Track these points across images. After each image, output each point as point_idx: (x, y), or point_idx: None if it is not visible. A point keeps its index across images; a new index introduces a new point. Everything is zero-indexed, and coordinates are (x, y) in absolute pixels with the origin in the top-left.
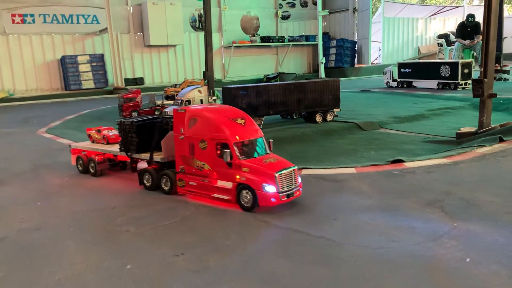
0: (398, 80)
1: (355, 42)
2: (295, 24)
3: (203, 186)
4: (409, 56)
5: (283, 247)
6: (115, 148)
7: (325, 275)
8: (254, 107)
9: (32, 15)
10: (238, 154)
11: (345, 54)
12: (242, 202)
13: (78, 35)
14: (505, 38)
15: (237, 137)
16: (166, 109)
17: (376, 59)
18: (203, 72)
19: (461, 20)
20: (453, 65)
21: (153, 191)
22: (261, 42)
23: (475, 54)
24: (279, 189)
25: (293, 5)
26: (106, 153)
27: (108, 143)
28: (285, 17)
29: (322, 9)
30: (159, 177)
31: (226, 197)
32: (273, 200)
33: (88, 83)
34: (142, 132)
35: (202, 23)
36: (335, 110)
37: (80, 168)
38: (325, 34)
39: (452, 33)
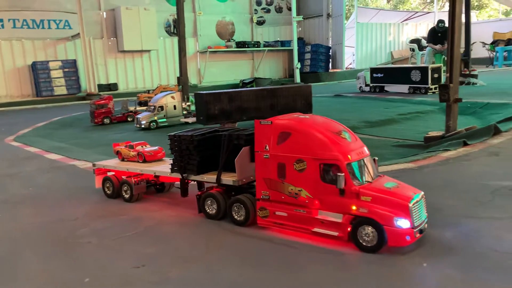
0: (371, 85)
1: (329, 47)
2: (270, 29)
3: (298, 218)
4: (383, 60)
5: (248, 255)
6: (159, 168)
7: (288, 281)
8: (227, 113)
9: (1, 20)
10: (352, 178)
11: (320, 59)
12: (361, 241)
13: (49, 40)
14: (473, 43)
15: (349, 156)
16: (138, 116)
17: (350, 64)
18: (177, 77)
19: (432, 26)
20: (423, 70)
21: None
22: (237, 47)
23: (445, 58)
24: (414, 224)
25: (268, 11)
26: (145, 173)
27: (145, 161)
28: (260, 23)
29: (296, 15)
30: (230, 204)
31: (334, 233)
32: (408, 238)
33: (60, 89)
34: (204, 148)
35: (177, 28)
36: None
37: (108, 192)
38: (300, 40)
39: (424, 38)
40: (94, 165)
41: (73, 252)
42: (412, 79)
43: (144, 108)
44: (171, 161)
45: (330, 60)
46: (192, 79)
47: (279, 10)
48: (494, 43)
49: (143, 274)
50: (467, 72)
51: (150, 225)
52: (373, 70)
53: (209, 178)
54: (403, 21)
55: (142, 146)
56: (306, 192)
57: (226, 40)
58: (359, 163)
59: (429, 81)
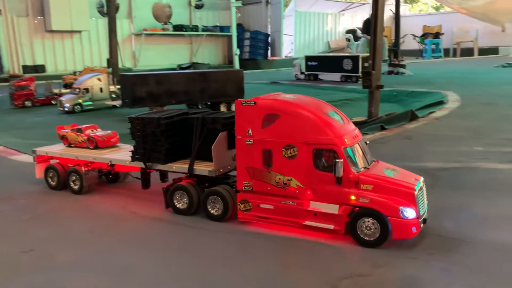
0: (306, 72)
1: (268, 35)
2: (209, 13)
3: (286, 211)
4: (320, 50)
5: (149, 238)
6: (115, 155)
7: (188, 263)
8: (154, 96)
9: None
10: (350, 164)
11: (259, 46)
12: (361, 235)
13: None
14: (405, 35)
15: (345, 140)
16: (61, 98)
17: (290, 52)
18: (107, 59)
19: (367, 17)
20: (354, 59)
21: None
22: (174, 31)
23: None
24: (419, 213)
25: None
26: (98, 161)
27: (96, 147)
28: (198, 6)
29: (235, 0)
30: (204, 197)
31: (329, 226)
32: (414, 230)
33: None
34: (173, 133)
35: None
36: None
37: (51, 182)
38: (239, 26)
39: (359, 28)
40: (34, 151)
41: None
42: (344, 67)
43: (69, 90)
44: (131, 148)
45: (269, 47)
46: (127, 63)
47: None
48: (424, 36)
49: (29, 259)
50: (397, 62)
51: (50, 208)
52: (308, 58)
53: (180, 167)
54: (340, 11)
55: (92, 130)
56: (296, 182)
57: (162, 23)
58: (354, 148)
59: (360, 70)
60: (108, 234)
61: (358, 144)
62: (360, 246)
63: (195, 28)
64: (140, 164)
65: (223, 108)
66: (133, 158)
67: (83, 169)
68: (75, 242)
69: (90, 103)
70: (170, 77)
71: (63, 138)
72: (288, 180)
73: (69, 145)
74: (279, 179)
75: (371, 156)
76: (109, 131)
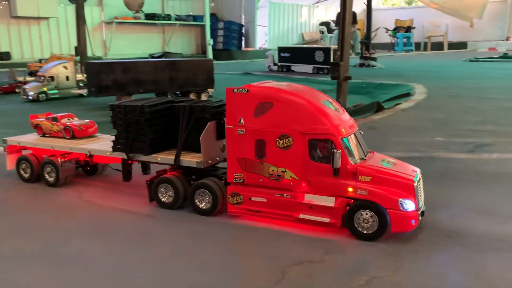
0: (279, 64)
1: (242, 25)
2: (182, 2)
3: (280, 204)
4: (294, 41)
5: (103, 227)
6: (94, 145)
7: (139, 252)
8: (121, 85)
9: None
10: (348, 155)
11: (233, 36)
12: (359, 228)
13: None
14: (378, 28)
15: (343, 130)
16: (25, 86)
17: (264, 44)
18: (75, 47)
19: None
20: (326, 51)
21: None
22: (146, 20)
23: (351, 41)
24: (418, 205)
25: None
26: (75, 152)
27: (73, 137)
28: None
29: None
30: (192, 191)
31: (325, 219)
32: (413, 222)
33: None
34: (158, 122)
35: None
36: (209, 90)
37: (24, 175)
38: (213, 16)
39: (333, 21)
40: (4, 141)
41: None
42: (316, 59)
43: (34, 78)
44: (111, 138)
45: (243, 38)
46: (97, 51)
47: None
48: (396, 29)
49: None
50: (368, 55)
51: (2, 198)
52: (281, 50)
53: (165, 159)
54: (315, 3)
55: (69, 119)
56: (291, 173)
57: (134, 12)
58: (351, 138)
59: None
60: (59, 224)
61: (354, 134)
62: (358, 239)
63: (167, 17)
64: (122, 155)
65: (192, 97)
66: (114, 149)
67: (59, 160)
68: (26, 232)
69: (55, 91)
70: (137, 66)
71: (37, 127)
72: (282, 171)
73: (44, 135)
74: (273, 170)
75: (366, 146)
76: (86, 120)
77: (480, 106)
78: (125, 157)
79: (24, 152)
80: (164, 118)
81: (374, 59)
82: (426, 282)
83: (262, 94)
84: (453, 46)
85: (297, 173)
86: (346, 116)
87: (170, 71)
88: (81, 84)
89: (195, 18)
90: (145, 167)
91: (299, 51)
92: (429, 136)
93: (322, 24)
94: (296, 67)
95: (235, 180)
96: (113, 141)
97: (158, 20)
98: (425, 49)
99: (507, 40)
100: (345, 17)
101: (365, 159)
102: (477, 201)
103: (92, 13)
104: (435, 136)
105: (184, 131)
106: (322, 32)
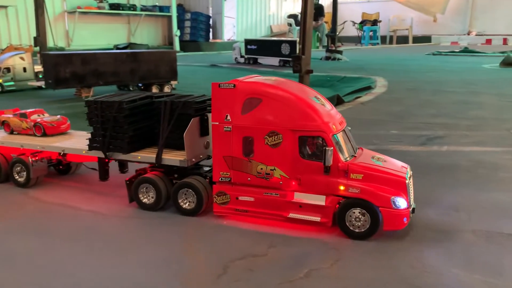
0: (245, 56)
1: (210, 17)
2: None
3: (269, 203)
4: (263, 34)
5: (44, 223)
6: (68, 143)
7: (81, 250)
8: (80, 77)
9: None
10: (339, 152)
11: (200, 28)
12: (350, 227)
13: None
14: (345, 22)
15: (333, 126)
16: None
17: (232, 37)
18: (34, 37)
19: None
20: (292, 44)
21: None
22: (110, 9)
23: (319, 34)
24: (410, 203)
25: None
26: (46, 150)
27: (44, 135)
28: None
29: None
30: (175, 190)
31: (315, 218)
32: (405, 220)
33: None
34: (137, 118)
35: None
36: (173, 82)
37: None
38: (179, 6)
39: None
40: None
41: None
42: (282, 52)
43: None
44: (85, 135)
45: (211, 29)
46: (60, 42)
47: None
48: (363, 23)
49: None
50: (334, 48)
51: None
52: (247, 42)
53: (146, 157)
54: None
55: (39, 115)
56: (280, 171)
57: (98, 1)
58: (341, 135)
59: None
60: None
61: (344, 130)
62: (350, 238)
63: (132, 7)
64: (99, 154)
65: (155, 89)
66: (91, 147)
67: (30, 159)
68: None
69: (12, 83)
70: (97, 57)
71: (4, 124)
72: (271, 170)
73: (11, 132)
74: (261, 169)
75: (355, 143)
76: (58, 117)
77: (437, 100)
78: (102, 155)
79: None
80: (143, 115)
81: (340, 52)
82: (364, 273)
83: (250, 90)
84: (417, 39)
85: (287, 171)
86: (334, 112)
87: (132, 62)
88: (40, 76)
89: (161, 8)
90: (123, 165)
91: (265, 44)
92: (385, 129)
93: (290, 16)
94: (263, 60)
95: (221, 179)
96: (89, 139)
97: (123, 10)
98: (390, 42)
99: (468, 34)
100: (306, 10)
101: (355, 156)
102: (422, 192)
103: (53, 2)
104: (391, 129)
105: (165, 128)
106: (290, 25)
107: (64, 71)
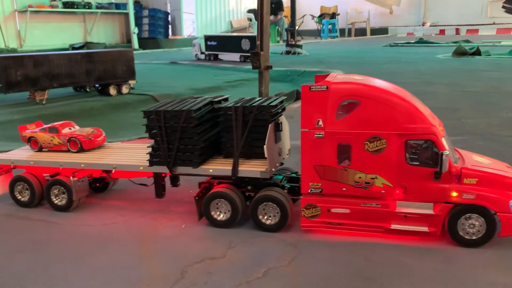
0: (206, 52)
1: (168, 13)
2: None
3: (368, 214)
4: (223, 29)
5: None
6: (118, 159)
7: (31, 260)
8: (32, 80)
9: None
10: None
11: (159, 24)
12: (463, 234)
13: None
14: (304, 15)
15: (440, 129)
16: None
17: (192, 33)
18: None
19: None
20: (252, 39)
21: None
22: (64, 8)
23: (279, 29)
24: None
25: None
26: (88, 168)
27: (81, 150)
28: None
29: None
30: (254, 205)
31: (423, 229)
32: None
33: None
34: (205, 127)
35: None
36: (131, 82)
37: (22, 198)
38: (136, 3)
39: None
40: None
41: None
42: (243, 47)
43: None
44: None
45: (170, 26)
46: (11, 43)
47: None
48: (321, 16)
49: None
50: (293, 43)
51: None
52: (207, 38)
53: (219, 170)
54: None
55: (70, 128)
56: (383, 180)
57: (50, 0)
58: (446, 137)
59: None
60: None
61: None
62: (462, 246)
63: (88, 5)
64: (162, 169)
65: (112, 90)
66: (152, 162)
67: (71, 180)
68: None
69: None
70: (50, 59)
71: (31, 140)
72: (371, 178)
73: (40, 149)
74: (360, 177)
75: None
76: (90, 128)
77: None
78: (162, 170)
79: (12, 171)
80: (209, 122)
81: (300, 46)
82: (320, 268)
83: (346, 91)
84: (375, 31)
85: (391, 179)
86: (432, 113)
87: (87, 63)
88: None
89: (117, 6)
90: (175, 179)
91: (225, 40)
92: None
93: (250, 11)
94: (224, 56)
95: (311, 190)
96: (150, 153)
97: (77, 8)
98: (349, 35)
99: (423, 25)
100: (263, 6)
101: (462, 159)
102: None
103: (2, 1)
104: None
105: (240, 136)
106: (250, 20)
107: (15, 74)
